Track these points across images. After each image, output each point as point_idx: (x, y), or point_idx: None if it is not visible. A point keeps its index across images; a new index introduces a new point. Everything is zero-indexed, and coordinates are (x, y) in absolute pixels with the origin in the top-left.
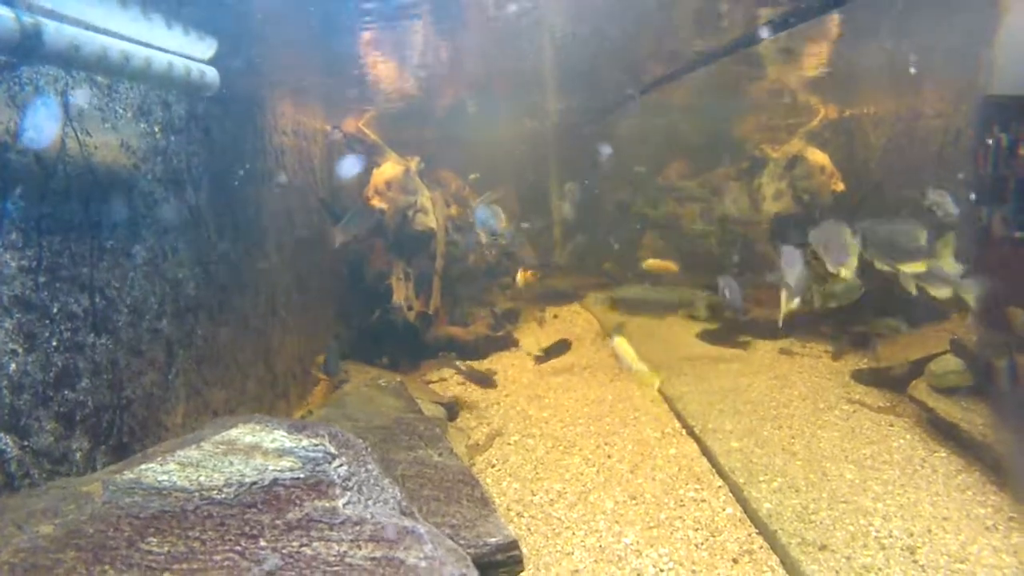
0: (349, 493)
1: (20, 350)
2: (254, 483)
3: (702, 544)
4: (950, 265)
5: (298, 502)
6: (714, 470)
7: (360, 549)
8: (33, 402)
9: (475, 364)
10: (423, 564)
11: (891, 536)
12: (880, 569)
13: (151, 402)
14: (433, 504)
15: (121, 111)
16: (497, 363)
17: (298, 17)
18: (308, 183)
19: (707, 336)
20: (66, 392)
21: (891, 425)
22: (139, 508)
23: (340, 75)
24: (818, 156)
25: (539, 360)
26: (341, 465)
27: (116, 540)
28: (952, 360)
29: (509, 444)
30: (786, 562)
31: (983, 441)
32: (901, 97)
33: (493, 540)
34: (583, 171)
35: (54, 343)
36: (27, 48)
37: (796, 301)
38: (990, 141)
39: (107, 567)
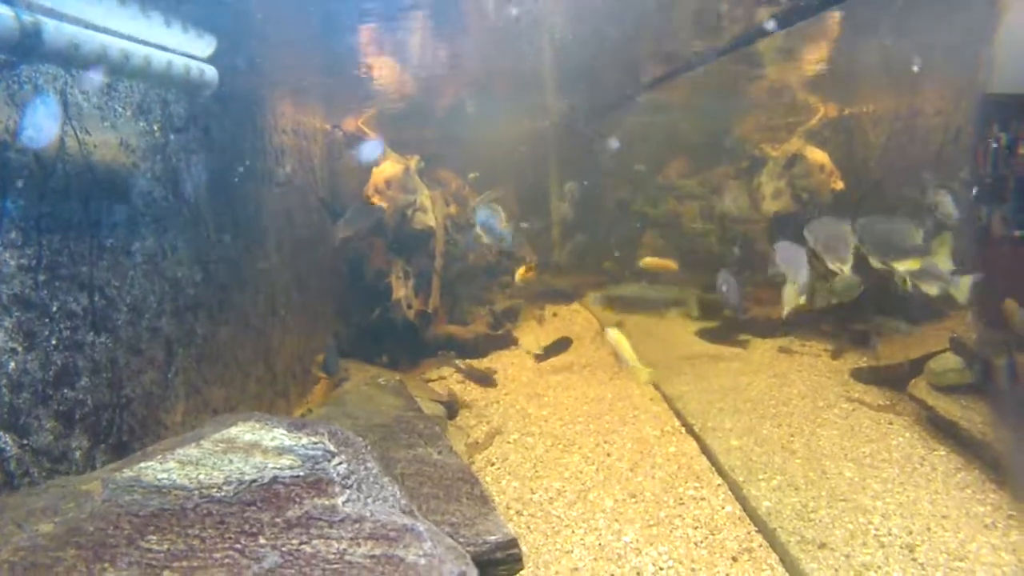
0: (349, 491)
1: (20, 348)
2: (254, 481)
3: (701, 542)
4: (944, 264)
5: (298, 500)
6: (713, 468)
7: (360, 547)
8: (33, 401)
9: (474, 363)
10: (423, 562)
11: (890, 534)
12: (879, 567)
13: (151, 400)
14: (433, 502)
15: (120, 109)
16: (497, 362)
17: (298, 16)
18: (308, 182)
19: (706, 334)
20: (65, 391)
21: (890, 423)
22: (139, 506)
23: (340, 74)
24: (817, 155)
25: (539, 358)
26: (341, 463)
27: (116, 538)
28: (951, 358)
29: (508, 442)
30: (785, 560)
31: (982, 439)
32: (900, 95)
33: (493, 538)
34: (583, 170)
35: (53, 342)
36: (26, 46)
37: (802, 298)
38: (994, 144)
39: (107, 565)
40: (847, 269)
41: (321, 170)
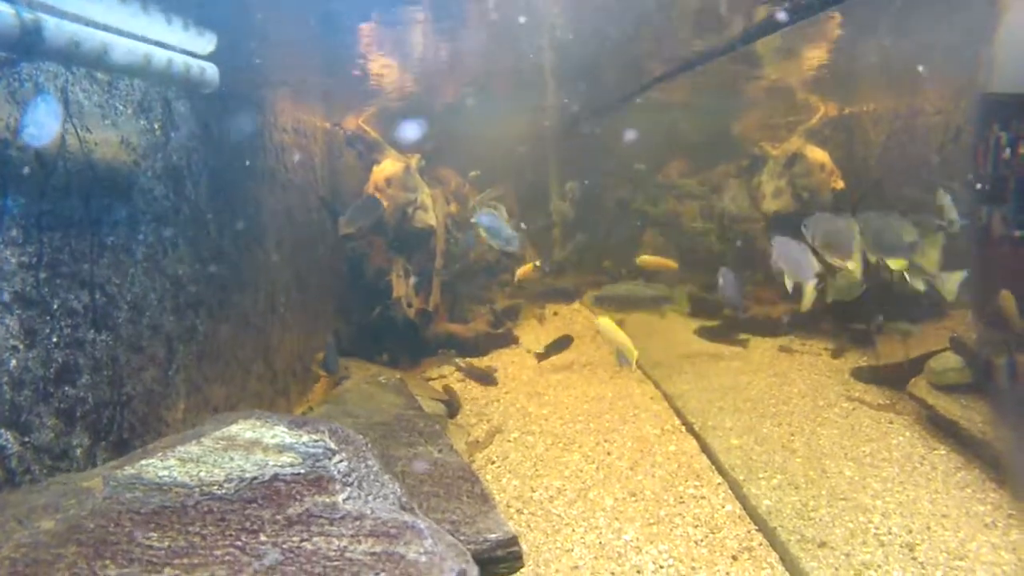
0: (349, 489)
1: (21, 346)
2: (254, 478)
3: (702, 541)
4: (932, 262)
5: (298, 497)
6: (714, 467)
7: (360, 544)
8: (34, 398)
9: (475, 361)
10: (423, 559)
11: (890, 533)
12: (879, 566)
13: (151, 398)
14: (433, 500)
15: (121, 108)
16: (497, 360)
17: (298, 14)
18: (308, 181)
19: (706, 333)
20: (67, 388)
21: (890, 422)
22: (140, 503)
23: (340, 72)
24: (818, 154)
25: (541, 356)
26: (341, 461)
27: (117, 535)
28: (952, 358)
29: (509, 441)
30: (785, 559)
31: (982, 438)
32: (900, 95)
33: (493, 536)
34: (583, 169)
35: (55, 339)
36: (27, 44)
37: (813, 282)
38: (1003, 148)
39: (108, 562)
40: (854, 266)
41: (321, 168)
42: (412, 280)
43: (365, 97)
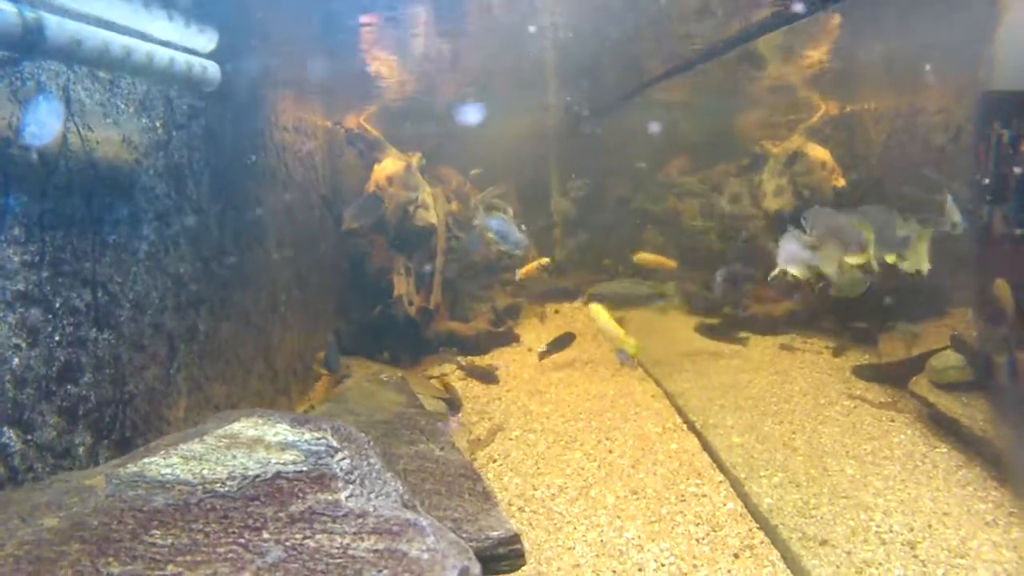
0: (352, 486)
1: (23, 345)
2: (257, 476)
3: (703, 539)
4: (921, 256)
5: (301, 495)
6: (715, 465)
7: (363, 541)
8: (36, 396)
9: (476, 359)
10: (426, 556)
11: (892, 531)
12: (881, 564)
13: (153, 397)
14: (435, 498)
15: (123, 106)
16: (498, 359)
17: (299, 12)
18: (309, 179)
19: (707, 332)
20: (69, 387)
21: (892, 421)
22: (142, 501)
23: (341, 71)
24: (819, 152)
25: (542, 355)
26: (343, 459)
27: (120, 532)
28: (953, 356)
29: (510, 439)
30: (787, 557)
31: (984, 437)
32: (901, 93)
33: (495, 534)
34: (584, 169)
35: (57, 338)
36: (29, 43)
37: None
38: (1004, 146)
39: (111, 559)
40: (868, 259)
41: (322, 167)
42: (412, 279)
43: (366, 96)
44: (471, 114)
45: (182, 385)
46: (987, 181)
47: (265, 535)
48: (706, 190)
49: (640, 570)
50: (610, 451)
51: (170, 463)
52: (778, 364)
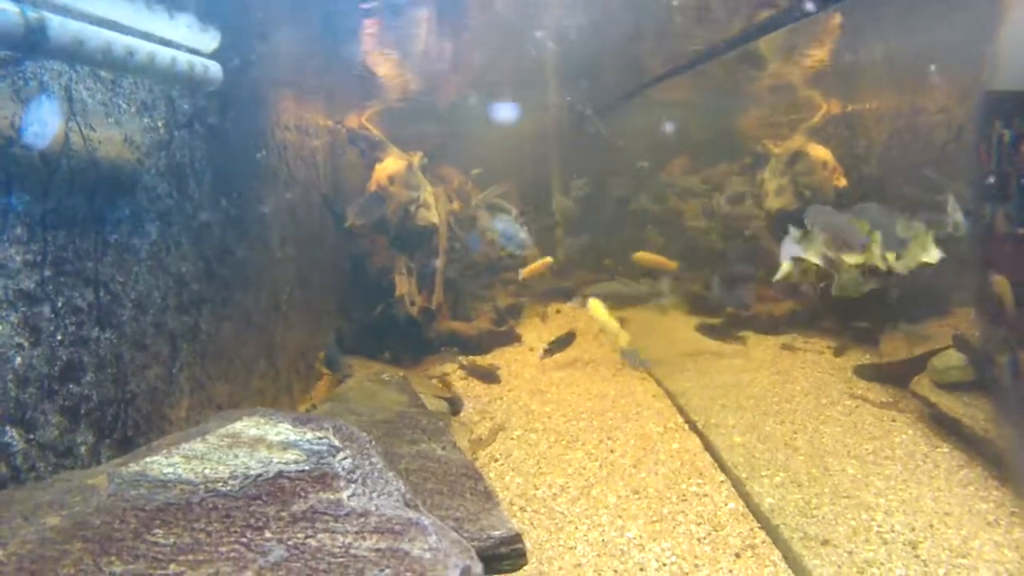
0: (354, 485)
1: (26, 344)
2: (259, 475)
3: (704, 538)
4: (928, 249)
5: (303, 494)
6: (716, 465)
7: (365, 540)
8: (38, 396)
9: (478, 359)
10: (428, 555)
11: (893, 531)
12: (882, 564)
13: (155, 396)
14: (437, 497)
15: (125, 106)
16: (500, 358)
17: (301, 12)
18: (311, 178)
19: (708, 331)
20: (71, 386)
21: (893, 420)
22: (145, 500)
23: (343, 70)
24: (820, 151)
25: (544, 354)
26: (345, 458)
27: (122, 532)
28: (954, 356)
29: (512, 439)
30: (788, 557)
31: (985, 436)
32: (903, 92)
33: (497, 533)
34: (584, 168)
35: (59, 337)
36: (31, 42)
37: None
38: (1006, 145)
39: (113, 558)
40: (873, 257)
41: (324, 166)
42: (414, 278)
43: (367, 95)
44: (503, 112)
45: (184, 384)
46: (990, 180)
47: (267, 534)
48: (707, 190)
49: (641, 570)
50: (611, 451)
51: (172, 462)
52: (779, 364)
